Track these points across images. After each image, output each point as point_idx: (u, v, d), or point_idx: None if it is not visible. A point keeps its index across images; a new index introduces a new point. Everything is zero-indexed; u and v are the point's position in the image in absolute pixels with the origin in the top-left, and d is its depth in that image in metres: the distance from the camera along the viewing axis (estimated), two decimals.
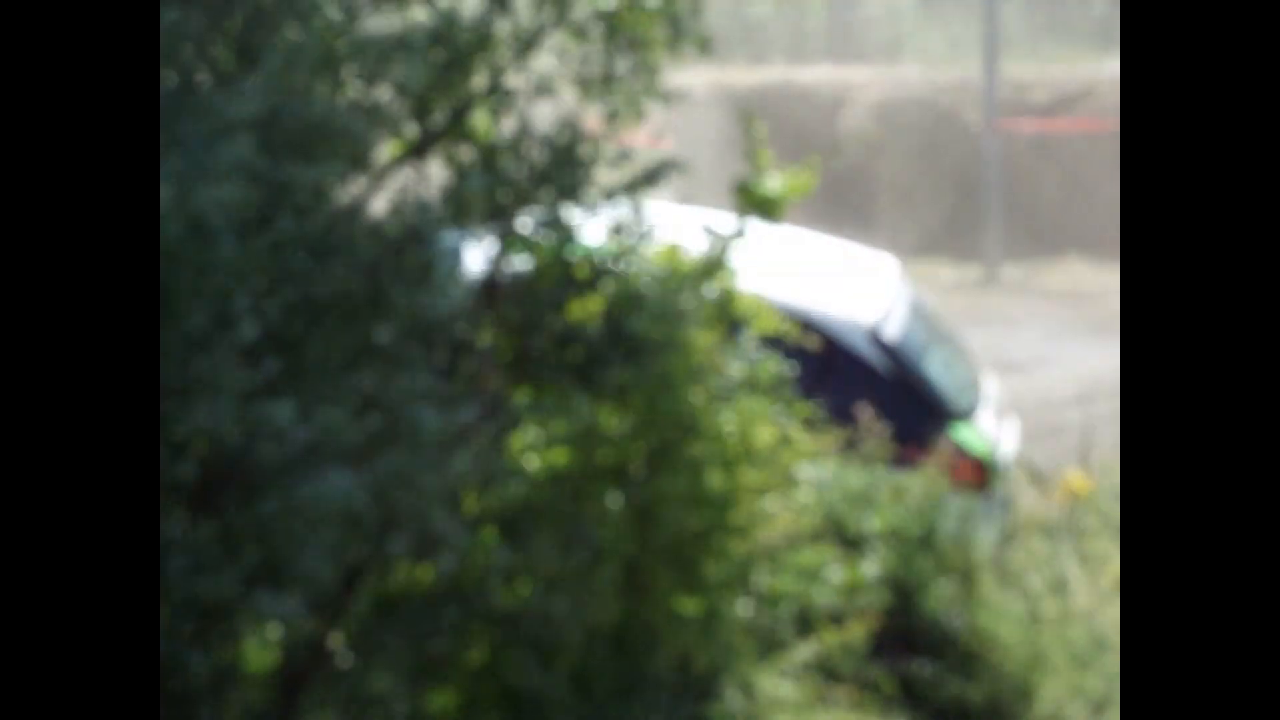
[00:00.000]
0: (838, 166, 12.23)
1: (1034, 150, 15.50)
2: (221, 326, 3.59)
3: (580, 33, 4.60)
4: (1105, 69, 19.42)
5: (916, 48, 26.35)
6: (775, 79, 17.44)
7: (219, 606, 3.66)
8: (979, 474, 7.10)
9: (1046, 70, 17.01)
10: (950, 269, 14.94)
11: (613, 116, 4.57)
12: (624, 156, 4.43)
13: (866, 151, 15.77)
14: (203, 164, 3.34)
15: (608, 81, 4.55)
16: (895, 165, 16.04)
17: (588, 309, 4.64)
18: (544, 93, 4.46)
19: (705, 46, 4.92)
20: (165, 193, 2.95)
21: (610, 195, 4.49)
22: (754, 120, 5.49)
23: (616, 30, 4.60)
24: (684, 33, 4.67)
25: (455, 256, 4.38)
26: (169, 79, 3.54)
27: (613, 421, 5.07)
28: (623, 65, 4.53)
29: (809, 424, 5.65)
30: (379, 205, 4.53)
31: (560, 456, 4.95)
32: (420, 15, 4.39)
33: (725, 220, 5.35)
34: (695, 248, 5.24)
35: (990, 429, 7.53)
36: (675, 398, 5.05)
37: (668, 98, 4.62)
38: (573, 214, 4.42)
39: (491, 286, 4.69)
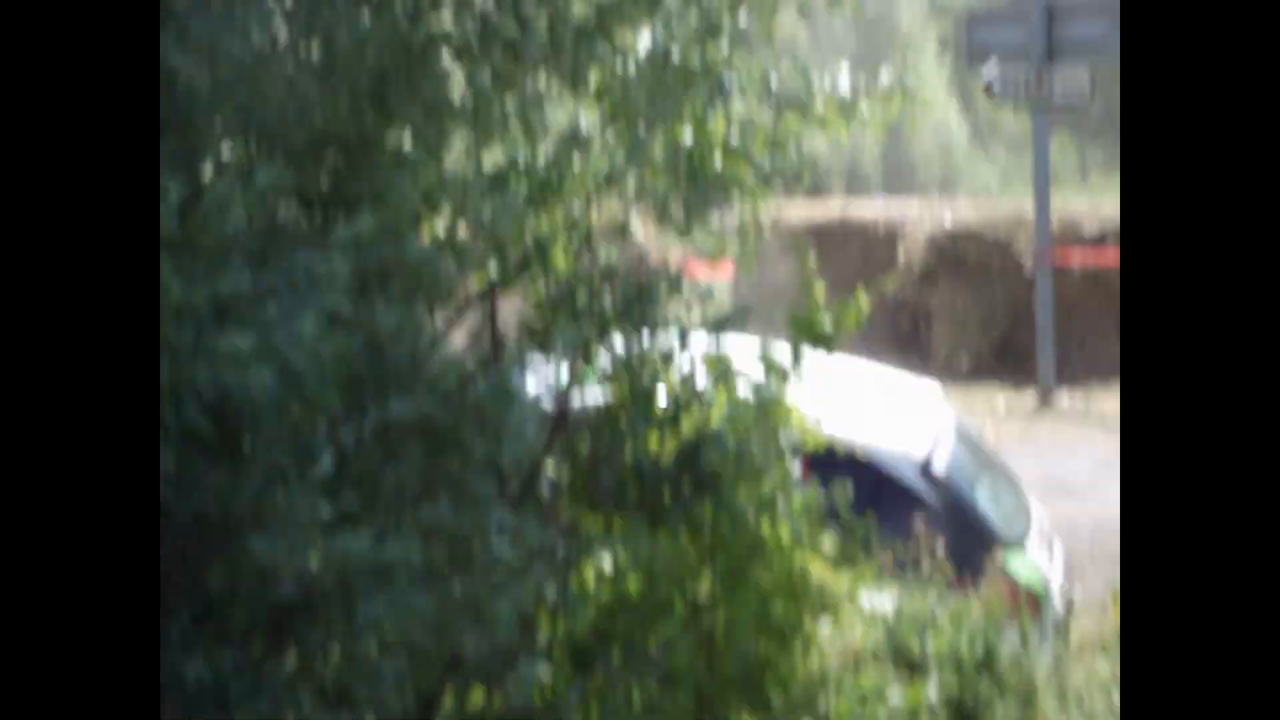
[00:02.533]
0: (894, 296, 12.06)
1: (1084, 280, 15.25)
2: (301, 461, 3.49)
3: (659, 171, 4.45)
4: None
5: (968, 181, 26.33)
6: (833, 213, 17.18)
7: None
8: (1030, 601, 6.87)
9: (1095, 203, 16.78)
10: (1004, 395, 14.60)
11: (697, 256, 4.44)
12: (704, 293, 4.30)
13: (922, 281, 15.55)
14: (292, 315, 3.24)
15: (689, 219, 4.39)
16: (949, 294, 15.78)
17: (661, 443, 4.51)
18: (620, 234, 4.34)
19: (792, 188, 4.77)
20: (249, 341, 2.86)
21: (684, 335, 4.37)
22: (807, 254, 5.35)
23: (697, 169, 4.45)
24: (766, 175, 4.52)
25: (532, 400, 4.23)
26: (259, 229, 3.45)
27: (681, 550, 4.93)
28: (703, 203, 4.38)
29: (865, 547, 5.47)
30: (457, 338, 4.44)
31: (629, 585, 4.80)
32: (499, 155, 4.30)
33: (782, 351, 5.21)
34: (754, 378, 5.11)
35: (1039, 556, 7.31)
36: (743, 528, 4.90)
37: (746, 237, 4.46)
38: (648, 348, 4.30)
39: (562, 417, 4.59)
